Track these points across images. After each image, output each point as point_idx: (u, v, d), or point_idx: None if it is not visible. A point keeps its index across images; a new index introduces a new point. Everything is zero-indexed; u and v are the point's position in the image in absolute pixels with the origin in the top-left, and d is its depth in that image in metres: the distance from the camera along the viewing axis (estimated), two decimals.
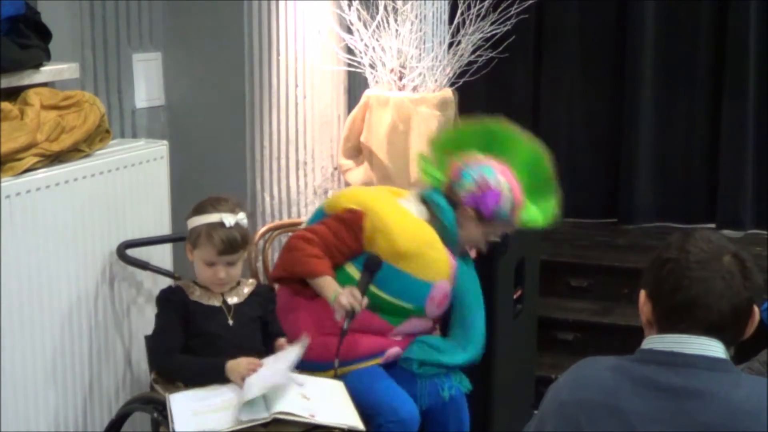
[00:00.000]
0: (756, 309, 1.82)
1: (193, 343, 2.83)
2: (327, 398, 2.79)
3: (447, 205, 3.17)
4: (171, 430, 2.62)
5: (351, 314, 2.92)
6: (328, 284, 3.01)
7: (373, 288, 3.03)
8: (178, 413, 2.64)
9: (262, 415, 2.61)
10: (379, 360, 3.15)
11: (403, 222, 3.12)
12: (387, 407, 2.98)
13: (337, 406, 2.79)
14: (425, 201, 3.21)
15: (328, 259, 3.06)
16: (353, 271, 3.09)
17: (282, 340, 2.95)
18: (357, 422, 2.75)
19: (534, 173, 3.27)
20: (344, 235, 3.09)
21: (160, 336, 2.87)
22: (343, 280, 3.06)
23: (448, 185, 3.19)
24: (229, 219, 2.82)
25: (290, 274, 3.10)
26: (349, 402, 2.84)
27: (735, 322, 1.79)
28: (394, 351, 3.18)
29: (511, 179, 3.18)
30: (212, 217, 2.83)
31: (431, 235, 3.14)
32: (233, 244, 2.82)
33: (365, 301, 2.96)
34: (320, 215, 3.22)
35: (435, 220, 3.18)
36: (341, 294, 2.94)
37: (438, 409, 3.19)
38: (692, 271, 1.78)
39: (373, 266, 3.03)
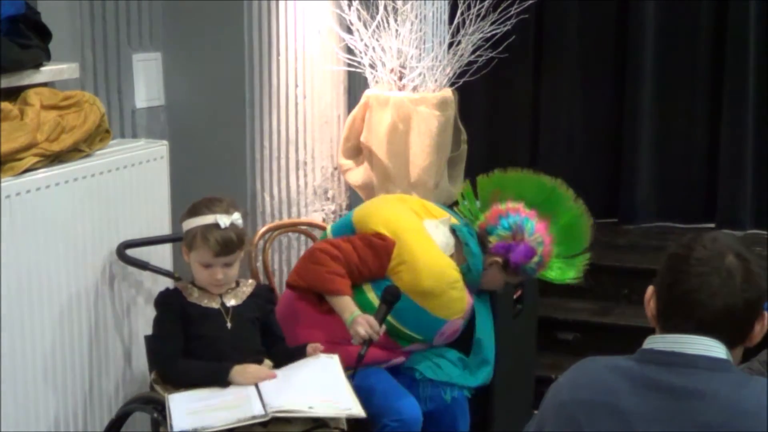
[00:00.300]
0: (766, 314, 1.80)
1: (192, 346, 2.83)
2: (324, 384, 2.80)
3: (478, 250, 3.16)
4: (168, 427, 2.62)
5: (368, 342, 2.93)
6: (346, 305, 3.01)
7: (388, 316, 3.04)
8: (176, 412, 2.65)
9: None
10: (382, 365, 3.16)
11: (431, 259, 3.11)
12: (391, 408, 2.99)
13: (334, 391, 2.79)
14: (456, 234, 3.21)
15: (349, 278, 3.07)
16: (371, 295, 3.09)
17: (317, 346, 2.93)
18: (358, 409, 2.74)
19: (571, 238, 3.27)
20: (370, 260, 3.09)
21: (160, 341, 2.87)
22: (360, 301, 3.06)
23: (483, 226, 3.19)
24: (224, 220, 2.80)
25: (309, 286, 3.09)
26: (344, 382, 2.83)
27: (731, 322, 1.78)
28: (398, 360, 3.19)
29: (546, 237, 3.17)
30: (207, 219, 2.81)
31: (455, 275, 3.15)
32: (229, 245, 2.81)
33: (382, 329, 2.97)
34: (348, 228, 3.21)
35: (461, 257, 3.18)
36: (358, 323, 2.94)
37: (439, 410, 3.19)
38: (691, 267, 1.79)
39: (391, 298, 3.02)
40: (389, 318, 3.04)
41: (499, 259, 3.15)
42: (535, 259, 3.14)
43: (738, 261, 1.79)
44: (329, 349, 2.96)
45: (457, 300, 3.15)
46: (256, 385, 2.74)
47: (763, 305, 1.80)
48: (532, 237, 3.14)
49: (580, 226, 3.31)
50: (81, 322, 2.94)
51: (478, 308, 3.26)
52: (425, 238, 3.15)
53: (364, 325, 2.93)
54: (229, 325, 2.85)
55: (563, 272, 3.26)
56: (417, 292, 3.07)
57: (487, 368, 3.29)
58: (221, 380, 2.75)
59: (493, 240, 3.16)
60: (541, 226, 3.17)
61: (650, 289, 1.88)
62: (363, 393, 2.89)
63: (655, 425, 1.73)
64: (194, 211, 2.85)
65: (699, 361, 1.76)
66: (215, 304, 2.87)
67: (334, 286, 3.03)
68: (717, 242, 1.81)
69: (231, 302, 2.89)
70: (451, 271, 3.14)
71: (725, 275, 1.77)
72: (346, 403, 2.74)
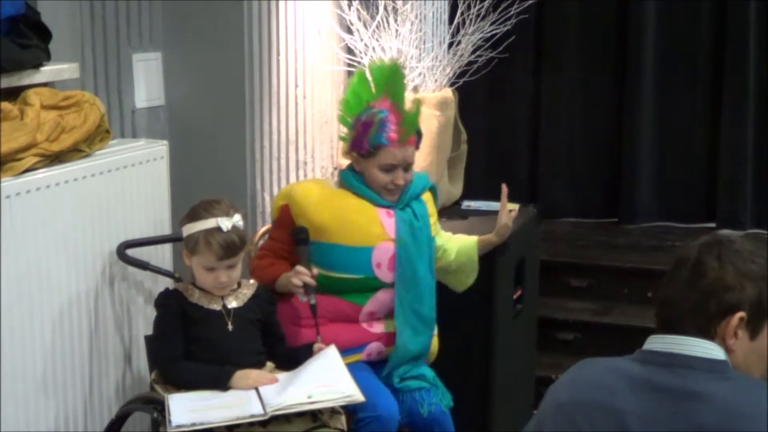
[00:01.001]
0: (738, 314, 1.78)
1: (192, 347, 2.82)
2: (322, 372, 2.81)
3: (345, 172, 3.21)
4: (167, 422, 2.62)
5: (310, 289, 3.01)
6: (284, 279, 3.09)
7: (320, 271, 3.07)
8: (175, 409, 2.65)
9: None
10: (361, 355, 3.16)
11: (316, 198, 3.16)
12: (367, 402, 2.97)
13: (332, 376, 2.80)
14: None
15: (284, 261, 3.15)
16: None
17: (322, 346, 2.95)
18: (357, 394, 2.74)
19: (393, 84, 3.19)
20: (282, 236, 3.17)
21: (161, 343, 2.87)
22: None
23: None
24: (225, 223, 2.80)
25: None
26: (343, 368, 2.84)
27: (691, 316, 1.77)
28: (375, 346, 3.18)
29: (386, 105, 3.14)
30: (208, 223, 2.81)
31: (349, 203, 3.17)
32: (232, 247, 2.81)
33: (315, 271, 3.03)
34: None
35: (345, 186, 3.22)
36: (289, 277, 3.03)
37: (416, 424, 3.17)
38: (670, 270, 1.84)
39: (301, 236, 3.09)
40: (323, 272, 3.07)
41: (354, 156, 3.18)
42: (375, 127, 3.10)
43: (698, 255, 1.79)
44: (292, 332, 3.05)
45: (365, 223, 3.15)
46: (256, 388, 2.74)
47: (733, 299, 1.78)
48: (368, 114, 3.13)
49: (388, 70, 3.20)
50: (81, 322, 2.94)
51: (402, 221, 3.18)
52: (314, 187, 3.23)
53: (293, 275, 3.02)
54: (230, 327, 2.85)
55: (413, 116, 3.20)
56: (318, 229, 3.11)
57: (418, 279, 3.18)
58: (222, 385, 2.75)
59: (347, 150, 3.20)
60: (380, 101, 3.13)
61: None
62: None
63: (652, 426, 1.73)
64: (194, 215, 2.84)
65: (697, 363, 1.76)
66: (216, 306, 2.87)
67: (268, 276, 3.12)
68: (697, 239, 1.84)
69: (232, 304, 2.88)
70: (337, 199, 3.17)
71: (681, 269, 1.80)
72: (345, 389, 2.74)
